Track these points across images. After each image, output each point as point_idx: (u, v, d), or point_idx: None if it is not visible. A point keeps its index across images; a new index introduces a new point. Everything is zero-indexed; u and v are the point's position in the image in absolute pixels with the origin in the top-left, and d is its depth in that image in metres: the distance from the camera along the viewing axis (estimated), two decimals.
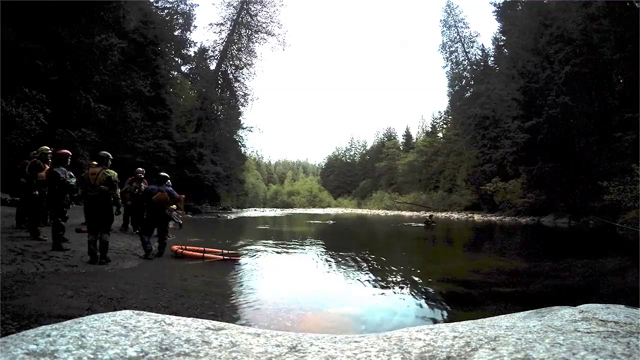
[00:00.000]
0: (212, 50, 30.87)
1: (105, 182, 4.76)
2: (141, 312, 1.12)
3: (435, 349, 0.94)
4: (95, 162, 5.11)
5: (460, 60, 36.34)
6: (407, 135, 65.03)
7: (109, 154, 5.06)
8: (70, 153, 5.36)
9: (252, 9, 31.23)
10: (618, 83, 16.49)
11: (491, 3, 28.32)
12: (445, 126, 48.39)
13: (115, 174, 4.93)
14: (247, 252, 6.69)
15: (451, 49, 36.79)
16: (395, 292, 4.08)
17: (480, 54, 35.86)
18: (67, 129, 11.67)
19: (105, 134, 13.97)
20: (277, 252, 7.04)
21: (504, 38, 28.68)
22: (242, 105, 31.81)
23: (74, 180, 5.22)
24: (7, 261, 3.98)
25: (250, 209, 39.50)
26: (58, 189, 5.04)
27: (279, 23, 31.66)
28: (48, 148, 5.77)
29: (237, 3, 30.90)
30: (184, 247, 5.85)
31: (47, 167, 5.55)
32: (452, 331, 1.08)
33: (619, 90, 15.89)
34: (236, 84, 31.64)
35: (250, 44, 31.37)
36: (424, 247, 9.16)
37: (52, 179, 5.04)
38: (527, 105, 19.24)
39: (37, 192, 5.32)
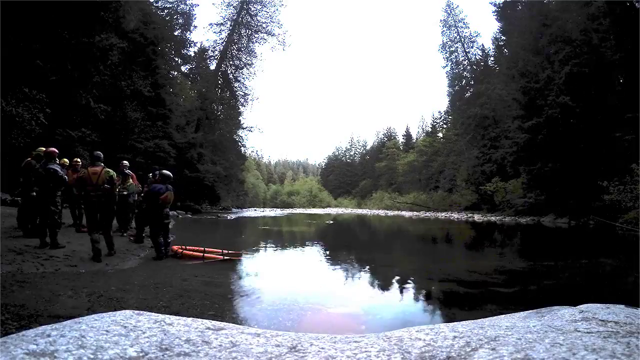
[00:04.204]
0: (212, 50, 30.94)
1: (108, 181, 4.88)
2: (141, 312, 1.12)
3: (435, 349, 0.94)
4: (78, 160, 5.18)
5: (460, 60, 36.38)
6: (407, 135, 65.06)
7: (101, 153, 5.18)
8: (57, 151, 5.35)
9: (252, 9, 31.26)
10: (618, 83, 16.48)
11: (491, 3, 28.39)
12: (445, 126, 48.41)
13: (114, 173, 5.06)
14: (247, 252, 6.69)
15: (451, 49, 36.82)
16: (395, 292, 4.09)
17: (480, 54, 35.92)
18: (67, 129, 11.67)
19: (105, 134, 13.97)
20: (277, 252, 7.04)
21: (504, 38, 28.71)
22: (242, 105, 31.86)
23: (65, 176, 5.33)
24: (7, 261, 3.98)
25: (250, 209, 39.50)
26: (55, 186, 5.05)
27: (279, 23, 31.71)
28: (44, 149, 5.76)
29: (237, 3, 30.93)
30: (184, 247, 5.85)
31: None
32: (452, 331, 1.08)
33: (619, 90, 15.88)
34: (236, 84, 31.67)
35: (250, 44, 31.41)
36: (423, 247, 9.16)
37: (50, 175, 4.99)
38: (527, 105, 19.23)
39: (34, 193, 5.30)
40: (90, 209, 4.90)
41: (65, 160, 6.65)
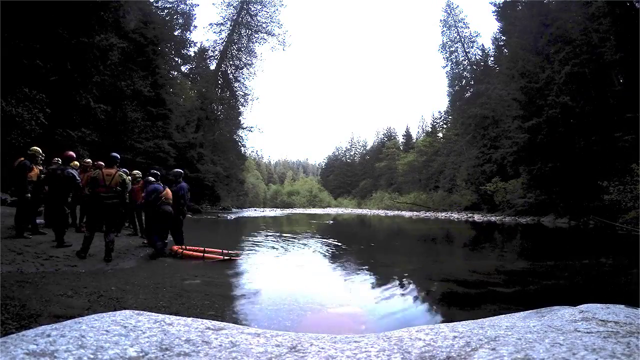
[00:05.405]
0: (212, 50, 30.97)
1: (121, 184, 4.95)
2: (141, 312, 1.12)
3: (435, 349, 0.94)
4: (102, 163, 5.32)
5: (460, 60, 36.42)
6: (407, 135, 65.10)
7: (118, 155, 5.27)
8: (74, 155, 5.54)
9: (252, 9, 31.29)
10: (618, 83, 16.48)
11: (491, 3, 28.40)
12: (445, 126, 48.46)
13: (127, 177, 5.12)
14: (247, 252, 6.69)
15: (451, 49, 36.89)
16: (395, 292, 4.08)
17: (480, 54, 35.97)
18: (67, 129, 11.67)
19: (105, 134, 13.97)
20: (278, 252, 7.04)
21: (504, 38, 28.70)
22: (242, 105, 31.91)
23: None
24: (7, 261, 3.98)
25: (250, 209, 39.47)
26: (69, 189, 5.26)
27: (278, 23, 31.77)
28: (39, 149, 5.76)
29: (237, 3, 30.96)
30: (184, 247, 5.84)
31: (35, 168, 5.55)
32: (452, 331, 1.08)
33: (619, 90, 15.88)
34: (236, 84, 31.71)
35: (250, 44, 31.46)
36: (423, 247, 9.16)
37: (68, 180, 5.19)
38: (527, 105, 19.23)
39: (29, 195, 5.31)
40: (96, 210, 4.93)
41: (76, 162, 6.72)
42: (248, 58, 31.40)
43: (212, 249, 5.89)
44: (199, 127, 26.73)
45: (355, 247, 8.48)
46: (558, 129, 17.10)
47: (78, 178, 5.36)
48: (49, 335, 0.85)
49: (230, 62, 31.58)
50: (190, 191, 6.44)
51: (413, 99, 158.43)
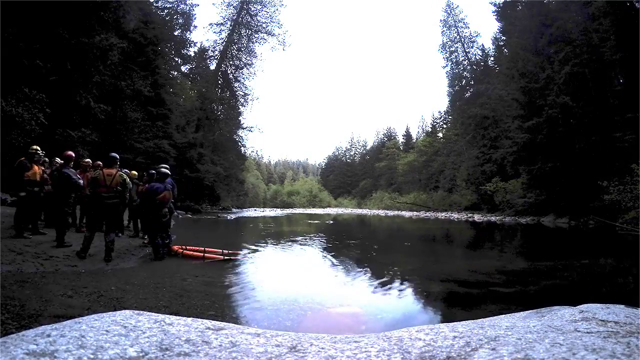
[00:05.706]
0: (212, 50, 31.00)
1: (121, 184, 4.98)
2: (141, 312, 1.12)
3: (435, 349, 0.94)
4: (100, 163, 5.32)
5: (460, 60, 36.42)
6: (407, 135, 65.10)
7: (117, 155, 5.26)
8: (74, 155, 5.53)
9: (252, 9, 31.32)
10: (618, 83, 16.48)
11: (491, 3, 28.38)
12: (445, 126, 48.46)
13: (126, 176, 5.16)
14: (247, 252, 6.69)
15: (451, 49, 36.88)
16: (395, 292, 4.08)
17: (480, 54, 35.96)
18: (67, 129, 11.67)
19: (105, 134, 13.97)
20: (278, 252, 7.05)
21: (504, 38, 28.69)
22: (242, 105, 31.94)
23: (81, 181, 5.53)
24: (7, 261, 3.98)
25: (250, 209, 39.46)
26: (68, 189, 5.25)
27: (278, 23, 31.80)
28: (38, 148, 5.76)
29: (237, 3, 30.99)
30: (184, 247, 5.85)
31: (35, 167, 5.55)
32: (452, 331, 1.08)
33: (619, 90, 15.87)
34: (236, 84, 31.75)
35: (250, 44, 31.50)
36: (423, 247, 9.16)
37: (64, 179, 5.19)
38: (527, 105, 19.23)
39: (24, 194, 5.31)
40: (96, 210, 4.94)
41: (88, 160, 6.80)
42: (248, 58, 31.47)
43: (212, 249, 5.90)
44: (199, 127, 26.75)
45: (355, 247, 8.48)
46: (558, 129, 17.10)
47: (74, 177, 5.34)
48: (49, 335, 0.85)
49: (230, 62, 31.62)
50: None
51: (413, 99, 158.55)
